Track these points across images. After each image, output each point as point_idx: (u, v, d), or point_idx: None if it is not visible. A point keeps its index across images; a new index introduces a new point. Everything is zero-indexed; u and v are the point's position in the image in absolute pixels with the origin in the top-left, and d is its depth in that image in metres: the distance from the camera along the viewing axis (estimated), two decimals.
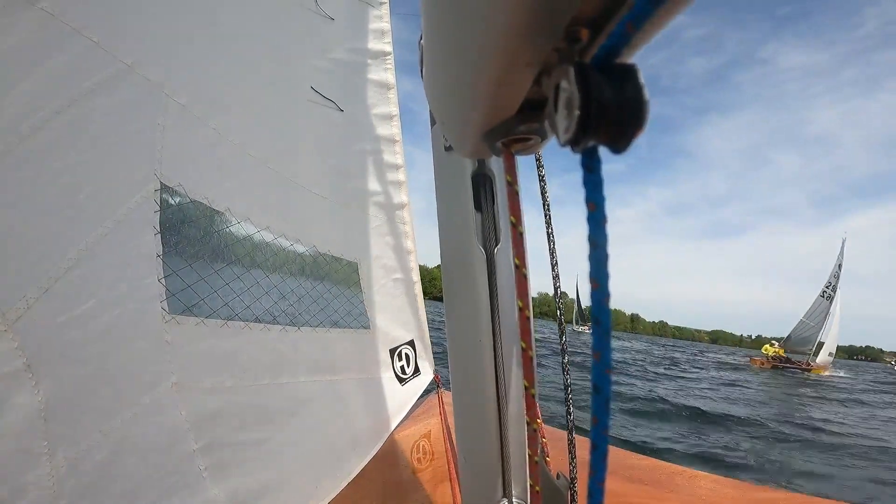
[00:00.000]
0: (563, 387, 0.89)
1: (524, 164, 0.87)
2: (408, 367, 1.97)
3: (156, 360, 0.97)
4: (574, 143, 0.27)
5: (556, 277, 0.93)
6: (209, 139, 1.12)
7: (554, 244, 0.91)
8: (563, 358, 0.93)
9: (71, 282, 0.86)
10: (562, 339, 0.91)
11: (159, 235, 1.02)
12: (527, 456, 0.79)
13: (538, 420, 0.74)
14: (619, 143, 0.27)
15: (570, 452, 0.92)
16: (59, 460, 0.82)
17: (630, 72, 0.26)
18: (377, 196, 1.78)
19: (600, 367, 0.29)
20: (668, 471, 1.79)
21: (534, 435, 0.67)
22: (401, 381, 1.87)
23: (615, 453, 2.16)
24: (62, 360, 0.83)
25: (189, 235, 1.09)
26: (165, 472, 0.92)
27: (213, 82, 1.14)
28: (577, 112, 0.25)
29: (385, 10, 1.66)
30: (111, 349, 0.90)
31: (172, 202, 1.05)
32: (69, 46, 0.84)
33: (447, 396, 2.44)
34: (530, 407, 0.63)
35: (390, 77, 1.72)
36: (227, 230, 1.19)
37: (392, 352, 1.88)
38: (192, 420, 0.98)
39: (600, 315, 0.29)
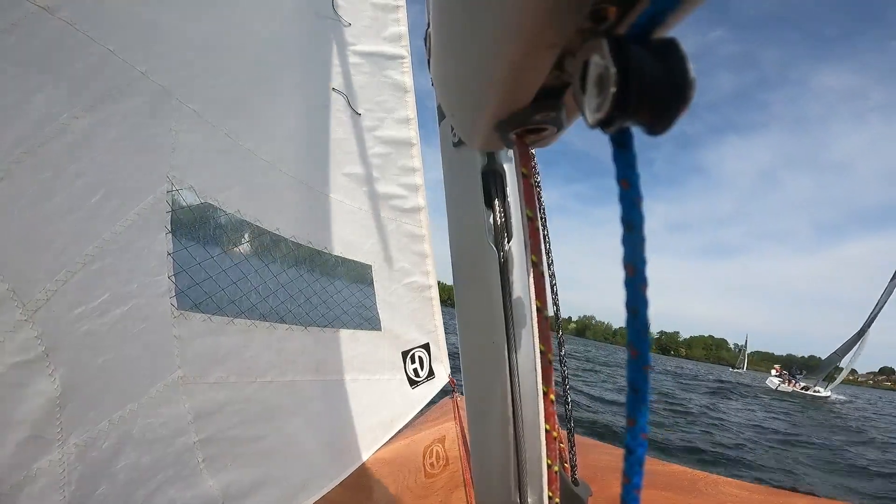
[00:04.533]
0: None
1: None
2: (421, 369, 1.97)
3: (164, 354, 1.02)
4: (606, 123, 0.25)
5: (552, 276, 0.93)
6: (221, 143, 1.17)
7: (549, 245, 0.90)
8: (560, 351, 0.92)
9: (87, 276, 0.91)
10: (558, 333, 0.91)
11: (170, 235, 1.06)
12: (544, 463, 0.76)
13: (556, 426, 0.71)
14: (660, 124, 0.24)
15: (570, 452, 0.88)
16: (69, 447, 0.87)
17: (671, 46, 0.24)
18: (393, 199, 1.79)
19: (637, 364, 0.27)
20: (689, 476, 1.70)
21: (552, 442, 0.64)
22: (412, 383, 1.87)
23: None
24: (77, 350, 0.88)
25: (199, 235, 1.13)
26: (166, 463, 0.96)
27: (226, 88, 1.18)
28: (612, 89, 0.23)
29: (402, 14, 1.67)
30: (122, 341, 0.95)
31: (184, 203, 1.10)
32: (86, 55, 0.89)
33: (462, 401, 2.42)
34: (548, 413, 0.61)
35: (407, 80, 1.72)
36: (237, 231, 1.23)
37: (405, 354, 1.89)
38: (194, 413, 1.02)
39: (637, 306, 0.26)
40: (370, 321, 1.67)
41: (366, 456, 1.40)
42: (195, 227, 1.12)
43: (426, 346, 2.05)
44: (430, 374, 2.02)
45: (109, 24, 0.92)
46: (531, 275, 0.76)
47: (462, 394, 2.48)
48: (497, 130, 0.43)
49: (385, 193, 1.76)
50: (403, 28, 1.68)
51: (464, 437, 2.12)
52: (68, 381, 0.88)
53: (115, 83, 0.94)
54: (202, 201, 1.13)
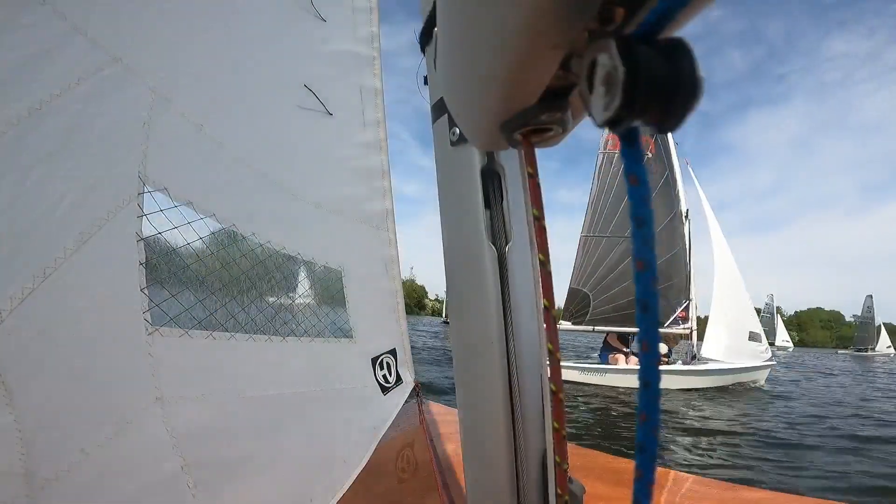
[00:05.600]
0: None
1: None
2: (389, 375, 1.94)
3: (138, 374, 0.91)
4: (614, 122, 0.25)
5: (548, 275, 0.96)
6: (196, 140, 1.07)
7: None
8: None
9: (48, 292, 0.80)
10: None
11: (142, 242, 0.96)
12: (551, 461, 0.77)
13: (565, 425, 0.73)
14: (669, 122, 0.24)
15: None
16: (37, 481, 0.75)
17: (679, 45, 0.24)
18: (363, 203, 1.75)
19: (649, 358, 0.27)
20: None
21: (561, 440, 0.65)
22: (384, 390, 1.83)
23: (593, 456, 2.20)
24: (38, 375, 0.77)
25: (173, 242, 1.03)
26: (153, 491, 0.86)
27: (201, 81, 1.09)
28: (621, 88, 0.23)
29: (375, 16, 1.64)
30: (91, 363, 0.84)
31: (157, 206, 0.99)
32: (60, 41, 0.78)
33: (427, 405, 2.42)
34: (558, 411, 0.62)
35: (378, 82, 1.69)
36: (212, 237, 1.13)
37: (374, 361, 1.84)
38: (177, 435, 0.93)
39: (647, 300, 0.26)
40: (343, 328, 1.62)
41: (361, 465, 1.36)
42: (169, 233, 1.01)
43: (392, 352, 2.02)
44: (399, 379, 2.00)
45: (86, 7, 0.81)
46: (538, 274, 0.78)
47: (424, 398, 2.48)
48: (502, 130, 0.43)
49: (353, 196, 1.72)
50: (376, 29, 1.65)
51: (432, 441, 2.12)
52: (29, 410, 0.76)
53: (86, 72, 0.82)
54: (177, 204, 1.03)
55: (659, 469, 1.91)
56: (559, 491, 0.74)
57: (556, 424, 0.71)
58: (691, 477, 1.79)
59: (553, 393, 0.62)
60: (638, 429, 0.28)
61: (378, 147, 1.75)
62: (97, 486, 0.80)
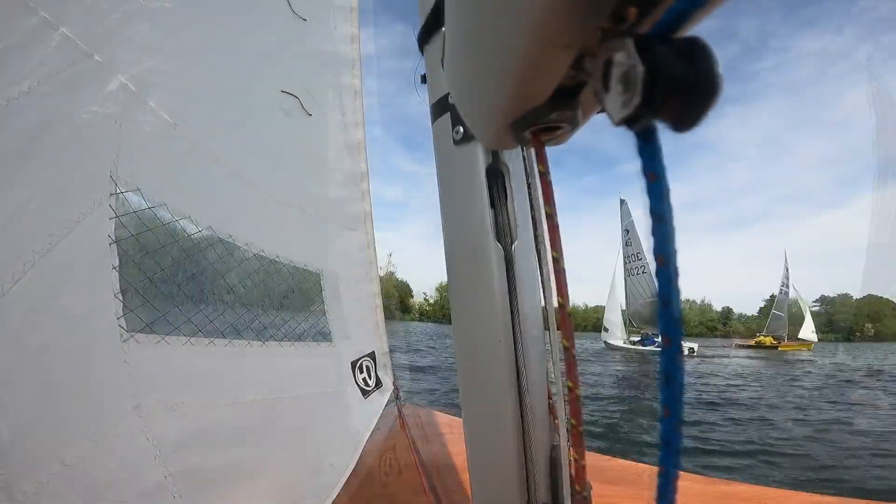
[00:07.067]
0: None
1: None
2: (369, 379, 1.92)
3: (115, 383, 0.87)
4: (632, 121, 0.25)
5: (543, 273, 0.97)
6: (170, 140, 1.03)
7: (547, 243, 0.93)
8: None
9: (16, 299, 0.75)
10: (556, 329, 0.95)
11: (115, 245, 0.91)
12: (568, 459, 0.76)
13: (581, 422, 0.74)
14: (687, 121, 0.24)
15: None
16: (17, 496, 0.71)
17: (696, 44, 0.24)
18: (342, 205, 1.73)
19: (671, 353, 0.27)
20: (635, 470, 1.85)
21: (578, 437, 0.66)
22: (364, 393, 1.81)
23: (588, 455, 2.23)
24: (12, 385, 0.73)
25: (148, 245, 0.99)
26: (137, 502, 0.83)
27: (177, 79, 1.05)
28: (640, 87, 0.23)
29: (355, 16, 1.63)
30: (65, 372, 0.80)
31: (130, 208, 0.95)
32: (32, 36, 0.74)
33: (406, 409, 2.41)
34: (574, 408, 0.62)
35: (357, 83, 1.68)
36: (189, 239, 1.09)
37: (353, 364, 1.82)
38: (159, 445, 0.89)
39: (669, 295, 0.26)
40: (322, 332, 1.59)
41: (349, 470, 1.33)
42: (143, 235, 0.97)
43: (371, 355, 2.00)
44: (378, 383, 1.98)
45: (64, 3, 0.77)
46: (552, 271, 0.78)
47: (402, 401, 2.47)
48: (512, 129, 0.44)
49: (333, 199, 1.69)
50: (356, 30, 1.63)
51: (413, 443, 2.11)
52: (5, 422, 0.72)
53: (58, 67, 0.78)
54: (151, 206, 0.99)
55: (640, 465, 1.95)
56: (577, 488, 0.75)
57: (573, 421, 0.70)
58: (679, 473, 1.82)
59: (569, 389, 0.62)
60: (662, 424, 0.28)
61: (357, 149, 1.74)
62: (79, 498, 0.76)
